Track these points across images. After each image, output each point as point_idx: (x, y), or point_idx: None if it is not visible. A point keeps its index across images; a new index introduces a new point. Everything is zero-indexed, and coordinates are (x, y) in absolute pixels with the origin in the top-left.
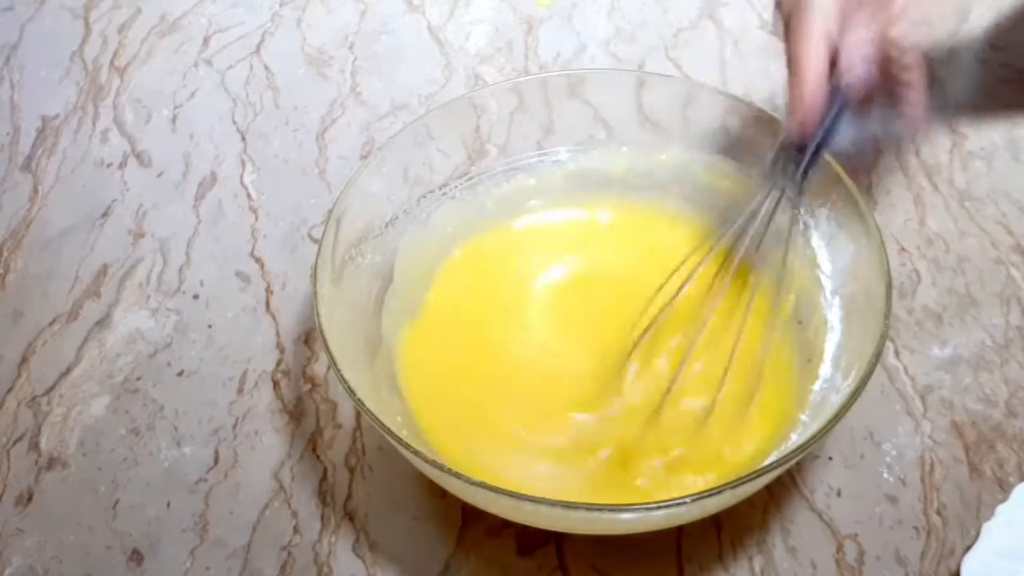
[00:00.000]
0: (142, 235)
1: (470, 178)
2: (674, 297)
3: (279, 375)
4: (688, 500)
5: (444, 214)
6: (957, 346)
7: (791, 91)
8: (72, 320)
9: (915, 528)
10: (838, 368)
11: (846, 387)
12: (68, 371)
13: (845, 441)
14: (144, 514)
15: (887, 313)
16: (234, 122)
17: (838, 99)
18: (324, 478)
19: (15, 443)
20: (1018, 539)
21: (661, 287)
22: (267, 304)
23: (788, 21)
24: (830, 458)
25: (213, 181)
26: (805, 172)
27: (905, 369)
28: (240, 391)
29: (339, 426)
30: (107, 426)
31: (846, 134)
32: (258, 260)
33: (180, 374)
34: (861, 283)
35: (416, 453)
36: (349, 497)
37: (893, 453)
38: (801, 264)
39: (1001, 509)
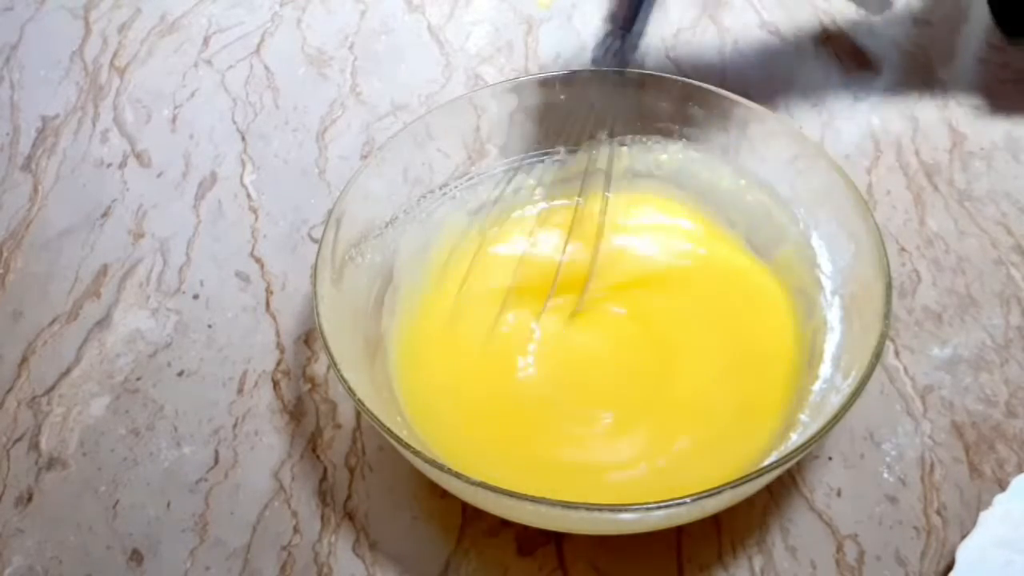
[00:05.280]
0: (142, 235)
1: (470, 178)
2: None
3: (279, 375)
4: (688, 500)
5: (444, 214)
6: (957, 346)
7: None
8: (72, 320)
9: (915, 528)
10: (838, 368)
11: (846, 387)
12: (68, 371)
13: (845, 441)
14: (144, 514)
15: (887, 313)
16: (234, 122)
17: None
18: (324, 478)
19: (15, 443)
20: (1014, 529)
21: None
22: (267, 304)
23: None
24: (830, 458)
25: (213, 181)
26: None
27: (905, 369)
28: (240, 391)
29: (339, 426)
30: (107, 426)
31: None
32: (258, 260)
33: (180, 374)
34: (861, 283)
35: (416, 453)
36: (349, 497)
37: (893, 453)
38: (801, 264)
39: (999, 499)
